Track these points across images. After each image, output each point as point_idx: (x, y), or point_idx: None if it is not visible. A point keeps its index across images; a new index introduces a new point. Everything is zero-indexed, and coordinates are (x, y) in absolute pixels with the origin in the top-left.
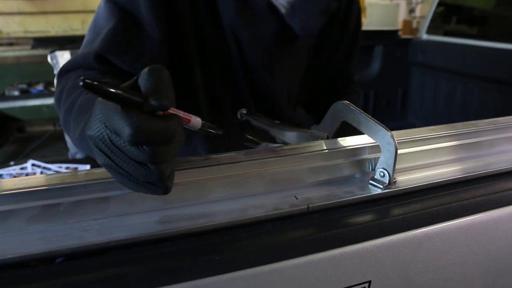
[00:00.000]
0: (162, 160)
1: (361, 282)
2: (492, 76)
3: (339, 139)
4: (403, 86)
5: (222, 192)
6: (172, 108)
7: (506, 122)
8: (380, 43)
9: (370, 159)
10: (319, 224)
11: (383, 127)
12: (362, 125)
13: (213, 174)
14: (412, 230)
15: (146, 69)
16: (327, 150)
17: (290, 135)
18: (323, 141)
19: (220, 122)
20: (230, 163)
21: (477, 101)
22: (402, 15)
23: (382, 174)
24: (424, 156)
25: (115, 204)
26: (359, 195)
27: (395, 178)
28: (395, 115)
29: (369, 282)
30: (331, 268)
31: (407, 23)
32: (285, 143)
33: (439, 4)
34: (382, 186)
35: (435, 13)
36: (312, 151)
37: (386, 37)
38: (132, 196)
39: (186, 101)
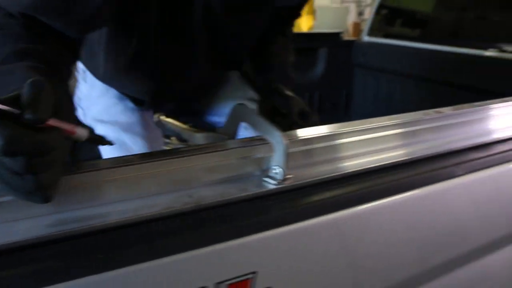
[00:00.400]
0: (38, 171)
1: (247, 272)
2: (427, 76)
3: (238, 139)
4: (347, 87)
5: (116, 194)
6: (54, 120)
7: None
8: (324, 45)
9: (268, 157)
10: (209, 221)
11: (273, 127)
12: (257, 126)
13: (108, 177)
14: (298, 223)
15: (28, 81)
16: (224, 150)
17: (197, 137)
18: (222, 141)
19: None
20: (125, 165)
21: (414, 99)
22: (353, 17)
23: (275, 171)
24: (331, 151)
25: (3, 209)
26: (252, 191)
27: (289, 174)
28: (339, 116)
29: (255, 272)
30: (217, 260)
31: (356, 25)
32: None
33: (381, 7)
34: (275, 182)
35: (378, 16)
36: (209, 151)
37: (330, 39)
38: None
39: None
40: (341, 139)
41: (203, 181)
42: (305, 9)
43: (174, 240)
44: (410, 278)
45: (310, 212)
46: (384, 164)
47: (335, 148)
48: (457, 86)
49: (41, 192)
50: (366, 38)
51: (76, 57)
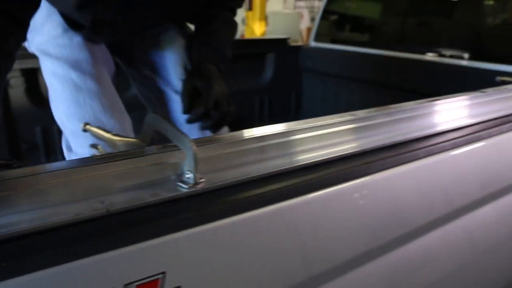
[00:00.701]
0: None
1: (156, 273)
2: (370, 79)
3: (155, 146)
4: (296, 91)
5: (27, 203)
6: None
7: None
8: (272, 51)
9: (182, 162)
10: (119, 225)
11: (182, 134)
12: (169, 133)
13: (19, 186)
14: (206, 224)
15: None
16: (138, 157)
17: (119, 145)
18: (138, 148)
19: None
20: (36, 174)
21: (358, 101)
22: (306, 23)
23: (188, 175)
24: (245, 155)
25: None
26: (163, 196)
27: (202, 178)
28: (290, 119)
29: (164, 272)
30: (126, 262)
31: (309, 30)
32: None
33: (326, 13)
34: (187, 187)
35: (325, 21)
36: (123, 158)
37: (277, 45)
38: None
39: None
40: (257, 142)
41: (115, 187)
42: (258, 15)
43: (82, 245)
44: (349, 260)
45: (218, 214)
46: (307, 163)
47: (249, 151)
48: (399, 88)
49: None
50: (313, 44)
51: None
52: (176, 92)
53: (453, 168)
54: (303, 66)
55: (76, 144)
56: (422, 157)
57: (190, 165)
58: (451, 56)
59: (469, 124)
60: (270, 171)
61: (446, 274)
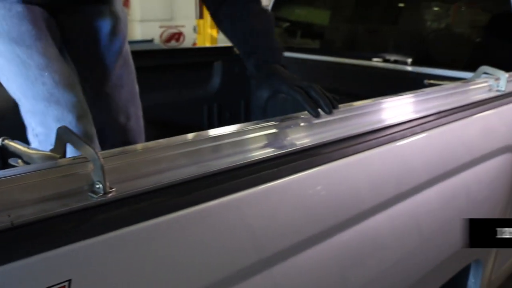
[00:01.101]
0: None
1: (62, 281)
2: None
3: (69, 157)
4: (245, 97)
5: None
6: None
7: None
8: (219, 59)
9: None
10: (26, 236)
11: (90, 146)
12: (77, 146)
13: None
14: (111, 232)
15: None
16: (48, 169)
17: (35, 158)
18: (51, 161)
19: None
20: None
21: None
22: None
23: (98, 185)
24: (158, 163)
25: None
26: (72, 206)
27: (112, 187)
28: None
29: (70, 280)
30: (31, 272)
31: None
32: None
33: (277, 20)
34: (96, 196)
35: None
36: (33, 171)
37: (223, 53)
38: None
39: None
40: (170, 151)
41: (24, 200)
42: (209, 23)
43: None
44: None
45: (126, 221)
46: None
47: (162, 159)
48: (347, 94)
49: None
50: None
51: None
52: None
53: (396, 157)
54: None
55: (36, 123)
56: (369, 148)
57: (99, 175)
58: (395, 62)
59: (411, 119)
60: (182, 177)
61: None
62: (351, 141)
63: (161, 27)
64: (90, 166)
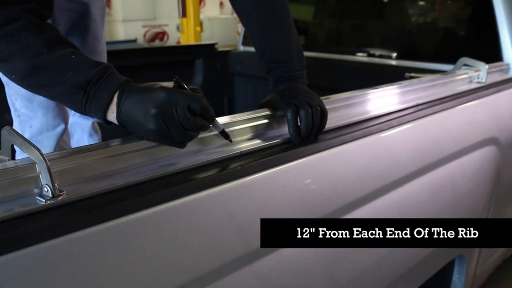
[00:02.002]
0: (200, 130)
1: None
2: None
3: (16, 160)
4: (228, 95)
5: None
6: None
7: None
8: (200, 57)
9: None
10: None
11: (34, 147)
12: (22, 147)
13: None
14: (58, 238)
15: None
16: None
17: None
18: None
19: None
20: None
21: None
22: None
23: (46, 189)
24: (108, 164)
25: None
26: (16, 211)
27: (62, 190)
28: None
29: None
30: None
31: None
32: None
33: None
34: (44, 200)
35: None
36: None
37: (204, 51)
38: None
39: None
40: (124, 150)
41: None
42: (192, 21)
43: None
44: None
45: (76, 225)
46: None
47: (117, 160)
48: (331, 89)
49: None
50: (241, 48)
51: None
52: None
53: (381, 148)
54: (233, 70)
55: (21, 105)
56: (351, 140)
57: (47, 178)
58: (380, 56)
59: (392, 111)
60: (138, 178)
61: None
62: (334, 132)
63: (144, 26)
64: (38, 168)
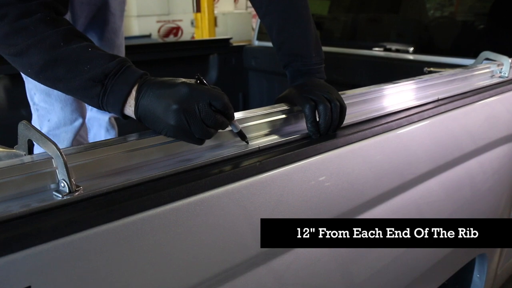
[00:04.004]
0: (220, 128)
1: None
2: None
3: (33, 155)
4: (243, 90)
5: None
6: None
7: None
8: (214, 52)
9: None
10: None
11: (52, 142)
12: (39, 142)
13: None
14: (75, 234)
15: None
16: (10, 167)
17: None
18: (14, 159)
19: None
20: None
21: None
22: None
23: (63, 184)
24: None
25: None
26: (34, 206)
27: (78, 186)
28: None
29: (29, 287)
30: None
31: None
32: None
33: None
34: (61, 196)
35: None
36: None
37: (219, 46)
38: None
39: None
40: (140, 146)
41: None
42: (207, 17)
43: None
44: None
45: (92, 221)
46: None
47: (133, 156)
48: (346, 84)
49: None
50: (256, 43)
51: None
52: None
53: (400, 145)
54: (247, 66)
55: (39, 99)
56: (368, 137)
57: (63, 173)
58: (397, 51)
59: (410, 106)
60: (152, 174)
61: None
62: (353, 128)
63: (158, 22)
64: (55, 163)
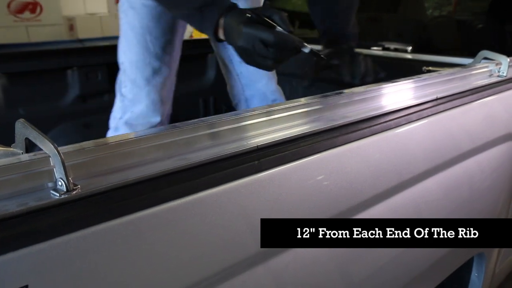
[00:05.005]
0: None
1: (19, 287)
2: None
3: (28, 154)
4: None
5: None
6: None
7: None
8: (212, 51)
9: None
10: None
11: (49, 140)
12: (36, 140)
13: None
14: (72, 233)
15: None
16: (6, 166)
17: None
18: (10, 157)
19: None
20: None
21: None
22: None
23: (60, 183)
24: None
25: None
26: (31, 205)
27: (76, 185)
28: None
29: (27, 286)
30: None
31: None
32: None
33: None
34: (58, 194)
35: None
36: None
37: None
38: None
39: None
40: (140, 144)
41: None
42: None
43: None
44: None
45: (89, 220)
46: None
47: (132, 154)
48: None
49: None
50: None
51: None
52: (236, 72)
53: (398, 144)
54: None
55: (126, 90)
56: (366, 136)
57: (61, 172)
58: (395, 50)
59: (409, 105)
60: (153, 172)
61: None
62: (351, 127)
63: None
64: (52, 162)
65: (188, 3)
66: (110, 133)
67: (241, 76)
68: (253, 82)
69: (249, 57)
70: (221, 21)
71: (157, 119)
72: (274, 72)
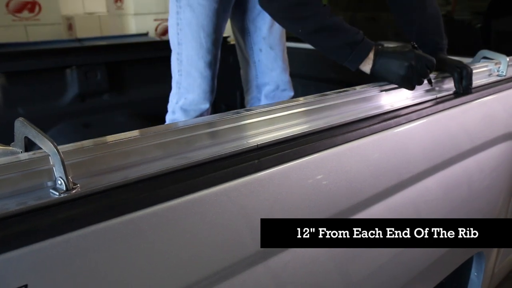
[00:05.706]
0: (425, 77)
1: (16, 287)
2: (313, 75)
3: (27, 153)
4: (240, 89)
5: None
6: None
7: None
8: None
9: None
10: None
11: (48, 139)
12: (36, 139)
13: None
14: (72, 232)
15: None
16: (4, 165)
17: None
18: (10, 156)
19: None
20: None
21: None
22: None
23: (60, 182)
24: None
25: None
26: (30, 204)
27: (75, 184)
28: None
29: (26, 285)
30: None
31: None
32: None
33: None
34: (58, 193)
35: None
36: None
37: None
38: None
39: None
40: (139, 143)
41: None
42: None
43: None
44: None
45: (89, 219)
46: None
47: (130, 153)
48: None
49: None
50: None
51: None
52: (253, 60)
53: (398, 143)
54: None
55: (182, 78)
56: (365, 135)
57: (60, 171)
58: None
59: (408, 105)
60: (150, 172)
61: None
62: (351, 126)
63: (156, 20)
64: (51, 161)
65: (341, 38)
66: (168, 116)
67: (258, 64)
68: (269, 70)
69: (407, 80)
70: (372, 56)
71: (206, 105)
72: (287, 64)
